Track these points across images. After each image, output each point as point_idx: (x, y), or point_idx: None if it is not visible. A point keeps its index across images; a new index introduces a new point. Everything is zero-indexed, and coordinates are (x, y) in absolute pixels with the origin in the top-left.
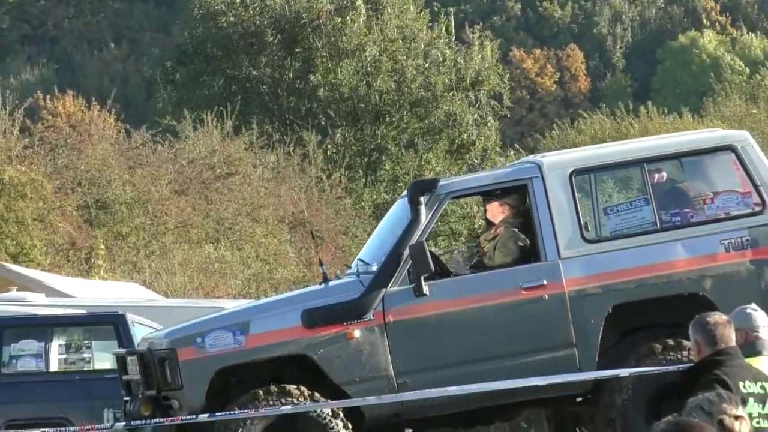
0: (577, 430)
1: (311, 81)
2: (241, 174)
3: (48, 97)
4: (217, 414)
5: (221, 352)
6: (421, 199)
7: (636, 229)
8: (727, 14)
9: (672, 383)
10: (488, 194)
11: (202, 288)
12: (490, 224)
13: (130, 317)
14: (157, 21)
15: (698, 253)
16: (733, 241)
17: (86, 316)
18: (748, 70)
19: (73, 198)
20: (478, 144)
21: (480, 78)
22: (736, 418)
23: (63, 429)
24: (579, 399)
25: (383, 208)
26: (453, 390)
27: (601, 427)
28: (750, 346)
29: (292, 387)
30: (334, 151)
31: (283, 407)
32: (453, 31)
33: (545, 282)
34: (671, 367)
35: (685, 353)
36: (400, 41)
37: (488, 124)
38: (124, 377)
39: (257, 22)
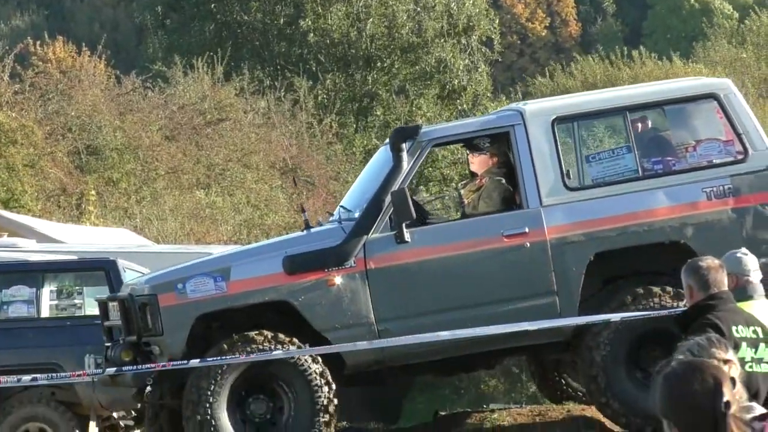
0: (559, 376)
1: (302, 26)
2: (231, 120)
3: (38, 43)
4: (208, 359)
5: (202, 298)
6: (403, 146)
7: (618, 176)
8: None
9: (649, 331)
10: (472, 144)
11: (193, 234)
12: (474, 176)
13: (122, 263)
14: None
15: (680, 201)
16: (715, 189)
17: (77, 262)
18: (737, 15)
19: (64, 144)
20: (469, 90)
21: (471, 23)
22: (725, 362)
23: (54, 374)
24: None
25: (374, 154)
26: (445, 335)
27: (585, 383)
28: (741, 290)
29: (254, 333)
30: (324, 96)
31: (275, 352)
32: None
33: (527, 230)
34: (663, 312)
35: (667, 299)
36: None
37: (479, 69)
38: (106, 323)
39: None
